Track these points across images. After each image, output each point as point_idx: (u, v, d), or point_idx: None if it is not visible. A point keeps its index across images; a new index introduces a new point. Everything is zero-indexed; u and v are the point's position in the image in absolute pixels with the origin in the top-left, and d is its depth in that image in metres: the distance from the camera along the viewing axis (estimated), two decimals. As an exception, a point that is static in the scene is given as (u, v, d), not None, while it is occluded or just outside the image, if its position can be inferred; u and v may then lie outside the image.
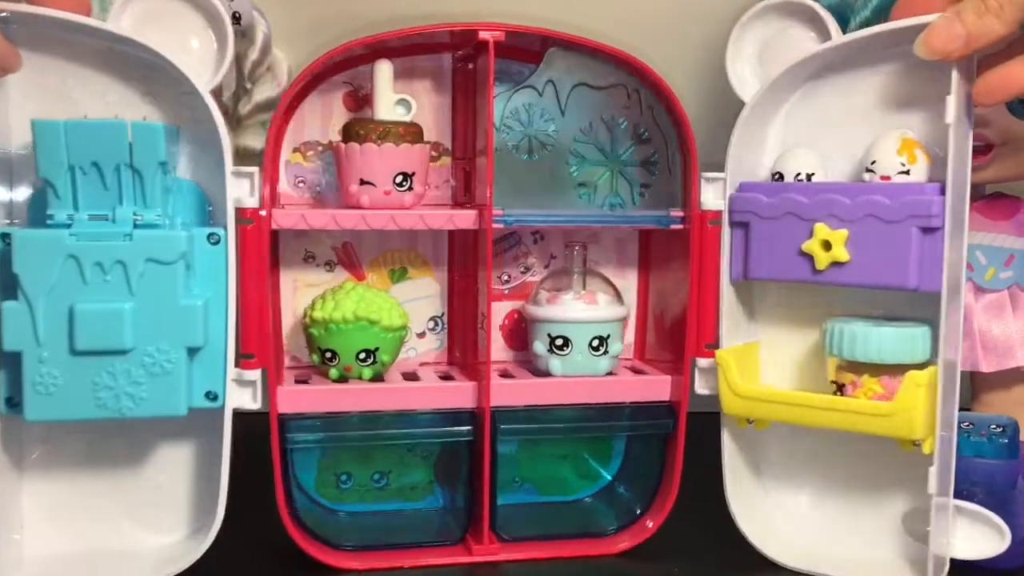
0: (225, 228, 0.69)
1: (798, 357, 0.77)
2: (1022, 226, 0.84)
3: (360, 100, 0.80)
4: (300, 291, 0.81)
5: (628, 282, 0.86)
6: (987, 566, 0.69)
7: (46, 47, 0.68)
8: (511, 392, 0.76)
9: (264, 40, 0.74)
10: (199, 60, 0.68)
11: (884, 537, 0.75)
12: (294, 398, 0.73)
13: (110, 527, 0.74)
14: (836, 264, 0.71)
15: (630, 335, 0.87)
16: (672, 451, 0.78)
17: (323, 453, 0.81)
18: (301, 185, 0.80)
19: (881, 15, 0.75)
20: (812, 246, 0.71)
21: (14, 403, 0.66)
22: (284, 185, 0.80)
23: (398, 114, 0.75)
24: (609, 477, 0.85)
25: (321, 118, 0.80)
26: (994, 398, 0.86)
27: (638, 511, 0.79)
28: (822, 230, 0.71)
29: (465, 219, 0.75)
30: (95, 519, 0.74)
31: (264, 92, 0.74)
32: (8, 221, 0.69)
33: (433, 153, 0.82)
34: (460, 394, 0.75)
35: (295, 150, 0.80)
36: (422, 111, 0.81)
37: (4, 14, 0.64)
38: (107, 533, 0.74)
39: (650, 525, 0.77)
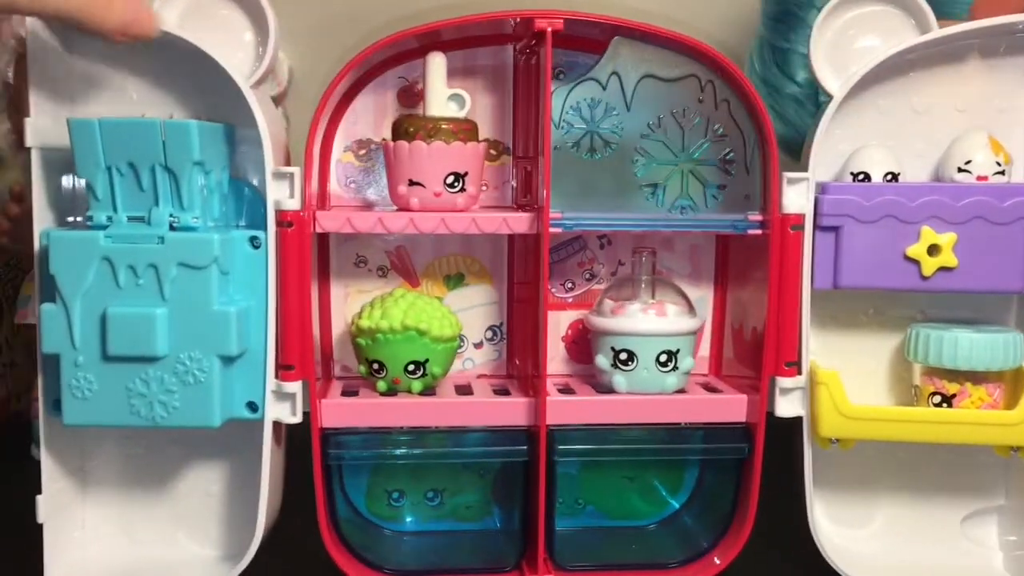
0: (265, 231, 0.65)
1: (863, 366, 0.74)
2: None
3: (415, 96, 0.75)
4: (351, 298, 0.77)
5: (704, 292, 0.79)
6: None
7: (95, 46, 0.66)
8: (570, 410, 0.70)
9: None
10: (243, 56, 0.66)
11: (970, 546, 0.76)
12: (338, 411, 0.69)
13: (164, 535, 0.73)
14: (943, 270, 0.66)
15: (705, 349, 0.80)
16: (747, 479, 0.71)
17: (373, 469, 0.77)
18: (352, 185, 0.76)
19: None
20: (918, 251, 0.67)
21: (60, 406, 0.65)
22: (334, 185, 0.76)
23: (451, 110, 0.70)
24: (677, 505, 0.78)
25: (374, 115, 0.76)
26: None
27: (705, 544, 0.72)
28: (929, 234, 0.66)
29: (520, 222, 0.69)
30: (148, 527, 0.73)
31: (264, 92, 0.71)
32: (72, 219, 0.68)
33: (492, 152, 0.77)
34: (514, 411, 0.70)
35: (346, 149, 0.76)
36: (482, 107, 0.76)
37: None
38: (161, 541, 0.73)
39: (717, 561, 0.71)
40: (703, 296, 0.79)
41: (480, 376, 0.79)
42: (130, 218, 0.63)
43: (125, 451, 0.73)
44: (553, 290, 0.79)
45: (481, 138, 0.76)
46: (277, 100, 0.73)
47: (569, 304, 0.79)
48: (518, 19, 0.68)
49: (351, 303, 0.77)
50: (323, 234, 0.76)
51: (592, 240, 0.79)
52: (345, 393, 0.72)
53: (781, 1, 0.72)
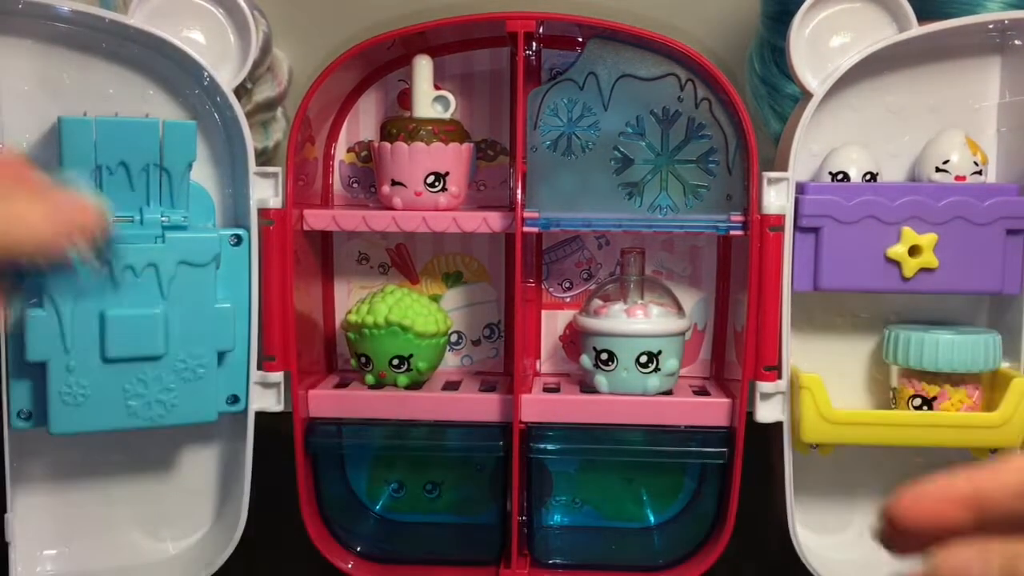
0: (246, 229, 0.68)
1: (837, 369, 0.72)
2: None
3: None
4: (354, 293, 0.80)
5: (706, 293, 0.78)
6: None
7: (61, 44, 0.66)
8: (546, 408, 0.71)
9: (264, 40, 0.71)
10: (219, 57, 0.67)
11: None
12: (322, 402, 0.72)
13: (114, 541, 0.73)
14: (923, 271, 0.65)
15: (706, 351, 0.79)
16: (729, 484, 0.70)
17: (375, 459, 0.79)
18: (355, 185, 0.79)
19: None
20: (899, 252, 0.65)
21: (25, 416, 0.64)
22: (338, 185, 0.79)
23: (436, 111, 0.72)
24: (668, 509, 0.78)
25: (376, 117, 0.78)
26: None
27: (687, 549, 0.72)
28: (910, 235, 0.64)
29: (497, 221, 0.70)
30: (99, 534, 0.72)
31: (264, 92, 0.73)
32: None
33: (489, 152, 0.78)
34: (491, 407, 0.71)
35: (349, 150, 0.79)
36: (480, 108, 0.78)
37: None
38: (112, 547, 0.73)
39: (697, 567, 0.70)
40: (705, 298, 0.78)
41: (478, 372, 0.80)
42: (115, 218, 0.62)
43: (69, 459, 0.71)
44: (551, 290, 0.79)
45: (478, 138, 0.78)
46: (277, 100, 0.75)
47: (567, 304, 0.79)
48: (490, 21, 0.69)
49: (353, 299, 0.79)
50: (326, 233, 0.79)
51: (590, 240, 0.79)
52: (338, 385, 0.75)
53: (781, 1, 0.70)
